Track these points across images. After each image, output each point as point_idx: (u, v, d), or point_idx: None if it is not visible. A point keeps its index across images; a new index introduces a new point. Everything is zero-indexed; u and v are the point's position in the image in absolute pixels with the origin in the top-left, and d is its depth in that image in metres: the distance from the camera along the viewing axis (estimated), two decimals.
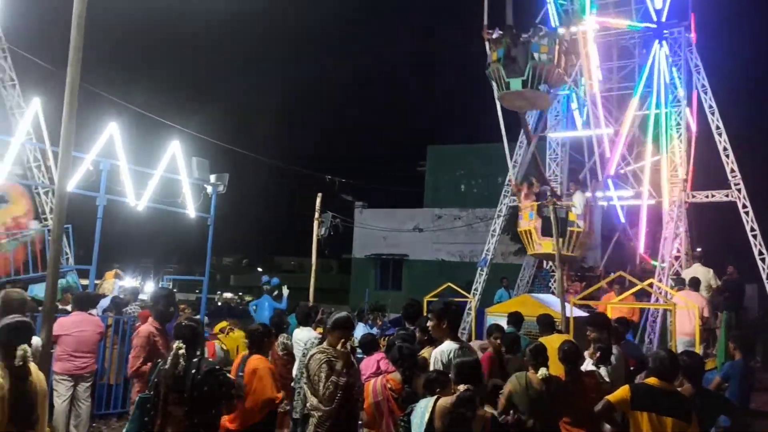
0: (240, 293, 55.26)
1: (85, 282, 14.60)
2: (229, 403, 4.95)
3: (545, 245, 13.86)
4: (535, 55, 12.62)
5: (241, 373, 5.88)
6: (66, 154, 5.36)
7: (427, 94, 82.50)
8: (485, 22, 13.63)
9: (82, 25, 5.41)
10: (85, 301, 8.71)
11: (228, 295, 52.39)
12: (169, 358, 4.74)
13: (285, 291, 14.65)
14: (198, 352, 4.94)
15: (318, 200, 16.07)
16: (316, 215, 15.87)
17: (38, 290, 11.13)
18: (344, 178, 21.46)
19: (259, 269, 54.92)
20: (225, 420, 5.72)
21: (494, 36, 13.31)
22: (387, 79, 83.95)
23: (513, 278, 19.96)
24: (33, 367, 4.21)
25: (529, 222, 14.41)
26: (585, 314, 10.36)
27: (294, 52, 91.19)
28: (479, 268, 19.03)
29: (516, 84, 12.77)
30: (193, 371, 4.68)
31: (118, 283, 15.76)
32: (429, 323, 5.93)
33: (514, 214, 18.40)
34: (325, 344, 5.25)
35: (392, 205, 33.49)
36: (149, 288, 38.32)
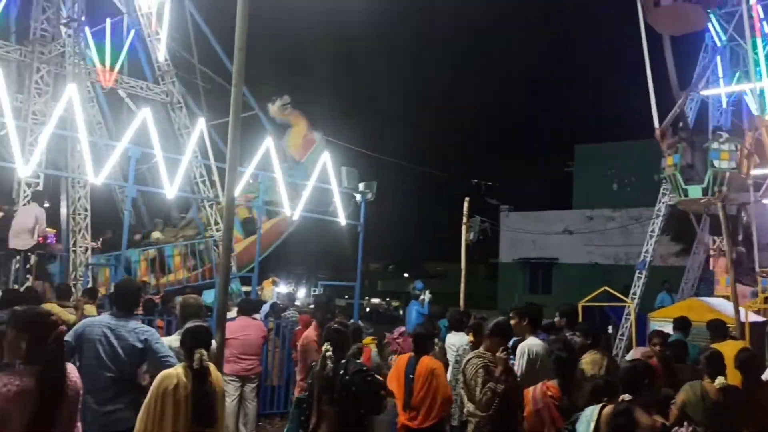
0: (387, 299, 56.22)
1: (246, 289, 15.55)
2: (380, 403, 5.03)
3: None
4: (716, 162, 11.90)
5: (411, 375, 5.98)
6: (232, 169, 5.71)
7: (573, 91, 79.86)
8: (656, 123, 13.04)
9: (244, 48, 5.75)
10: (249, 306, 9.26)
11: (375, 300, 53.46)
12: (320, 359, 4.94)
13: (427, 296, 14.81)
14: (348, 354, 5.09)
15: (466, 205, 16.03)
16: (464, 220, 15.84)
17: (205, 297, 12.00)
18: (489, 181, 21.25)
19: (406, 275, 55.65)
20: (403, 418, 5.86)
21: (669, 141, 12.68)
22: (530, 78, 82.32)
23: (675, 281, 18.79)
24: (212, 368, 4.50)
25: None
26: (762, 319, 9.50)
27: (434, 55, 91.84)
28: (637, 271, 18.08)
29: (695, 192, 12.18)
30: (341, 372, 4.83)
31: (276, 290, 16.63)
32: (511, 321, 6.12)
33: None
34: (481, 349, 5.19)
35: (539, 208, 32.70)
36: (301, 294, 40.01)
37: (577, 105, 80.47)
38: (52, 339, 3.65)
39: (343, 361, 4.89)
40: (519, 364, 5.83)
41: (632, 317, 14.18)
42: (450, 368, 7.88)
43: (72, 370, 3.75)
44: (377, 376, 4.96)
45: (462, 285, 15.42)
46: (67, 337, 4.94)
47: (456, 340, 8.09)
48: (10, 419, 3.38)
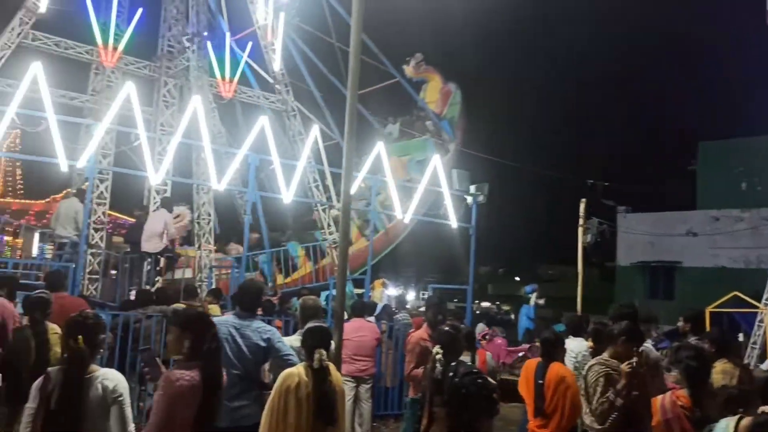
0: (497, 302, 55.40)
1: (359, 291, 15.81)
2: (492, 406, 4.96)
3: None
4: None
5: (540, 380, 5.89)
6: (348, 173, 5.84)
7: (696, 85, 75.58)
8: None
9: (359, 56, 5.86)
10: (363, 308, 9.42)
11: (486, 304, 52.79)
12: (431, 362, 4.94)
13: (533, 299, 14.59)
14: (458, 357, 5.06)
15: (582, 206, 15.58)
16: (581, 222, 15.39)
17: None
18: (605, 181, 20.50)
19: (517, 278, 54.68)
20: (533, 425, 5.79)
21: None
22: (649, 72, 78.69)
23: None
24: (332, 368, 4.62)
25: None
26: None
27: (544, 52, 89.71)
28: None
29: None
30: (451, 374, 4.81)
31: (385, 292, 16.83)
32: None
33: None
34: (605, 355, 5.00)
35: (659, 209, 31.13)
36: (411, 297, 40.20)
37: (699, 100, 76.12)
38: (210, 337, 3.97)
39: (453, 364, 4.87)
40: None
41: (765, 324, 13.26)
42: None
43: None
44: (489, 378, 4.89)
45: (579, 288, 15.02)
46: None
47: (575, 346, 7.83)
48: (180, 411, 3.71)
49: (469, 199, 11.88)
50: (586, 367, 5.07)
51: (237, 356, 5.11)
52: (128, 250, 13.84)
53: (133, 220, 16.16)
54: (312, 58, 19.71)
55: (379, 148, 11.35)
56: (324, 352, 4.54)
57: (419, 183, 11.66)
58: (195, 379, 3.79)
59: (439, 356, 4.89)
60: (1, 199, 27.59)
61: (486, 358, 7.24)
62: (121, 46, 16.40)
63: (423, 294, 44.97)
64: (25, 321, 6.45)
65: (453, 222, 11.81)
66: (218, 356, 4.07)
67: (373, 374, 9.01)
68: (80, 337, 3.80)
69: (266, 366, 5.49)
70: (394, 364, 10.15)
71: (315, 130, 11.40)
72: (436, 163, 11.74)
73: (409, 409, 5.21)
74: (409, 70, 21.48)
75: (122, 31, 16.56)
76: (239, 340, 5.16)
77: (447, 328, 5.21)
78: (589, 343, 7.54)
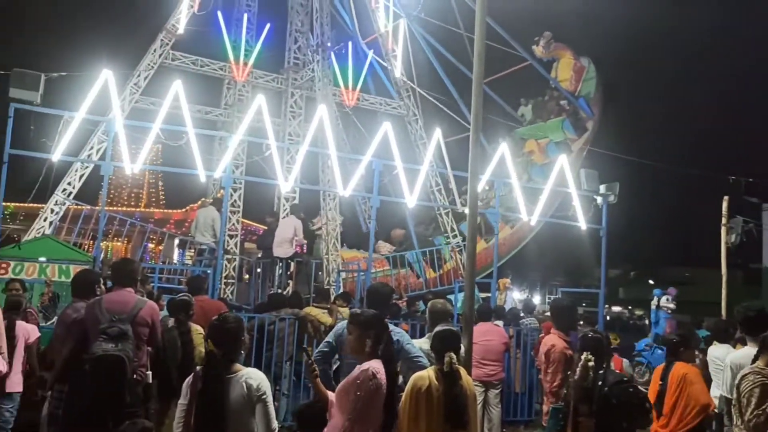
0: (629, 307, 52.91)
1: (485, 295, 15.64)
2: (645, 416, 4.72)
3: None
4: None
5: (661, 381, 5.66)
6: (474, 176, 5.79)
7: None
8: None
9: (482, 59, 5.81)
10: (489, 312, 9.30)
11: (617, 308, 50.63)
12: (578, 369, 4.73)
13: (663, 302, 13.86)
14: (604, 365, 4.86)
15: (725, 204, 14.57)
16: (723, 221, 14.40)
17: None
18: (749, 177, 19.04)
19: (650, 281, 52.01)
20: (655, 425, 5.58)
21: None
22: None
23: None
24: (462, 371, 4.58)
25: None
26: None
27: (681, 46, 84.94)
28: None
29: None
30: (600, 383, 4.61)
31: (510, 294, 16.52)
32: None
33: None
34: (761, 364, 4.63)
35: None
36: (537, 301, 39.29)
37: None
38: (387, 337, 4.25)
39: (600, 371, 4.68)
40: None
41: None
42: (713, 383, 7.18)
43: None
44: (639, 387, 4.67)
45: (723, 292, 14.11)
46: (329, 338, 5.38)
47: (720, 353, 7.33)
48: (372, 409, 3.99)
49: (599, 200, 11.43)
50: (739, 376, 4.72)
51: None
52: (260, 255, 14.47)
53: (265, 226, 16.91)
54: (440, 50, 19.75)
55: (503, 149, 11.19)
56: (454, 355, 4.51)
57: (548, 179, 11.37)
58: (383, 379, 4.06)
59: (591, 364, 4.72)
60: (146, 209, 29.79)
61: (623, 365, 6.95)
62: (251, 61, 17.25)
63: (549, 297, 43.84)
64: (171, 322, 6.89)
65: (582, 223, 11.42)
66: (394, 356, 4.34)
67: (501, 379, 8.87)
68: (210, 340, 4.04)
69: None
70: (523, 369, 9.94)
71: (437, 134, 11.41)
72: (563, 163, 11.41)
73: (551, 418, 5.04)
74: (538, 50, 21.01)
75: (251, 46, 17.41)
76: None
77: (593, 334, 5.03)
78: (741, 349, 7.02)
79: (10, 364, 5.96)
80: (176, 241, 19.79)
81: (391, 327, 5.42)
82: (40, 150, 9.23)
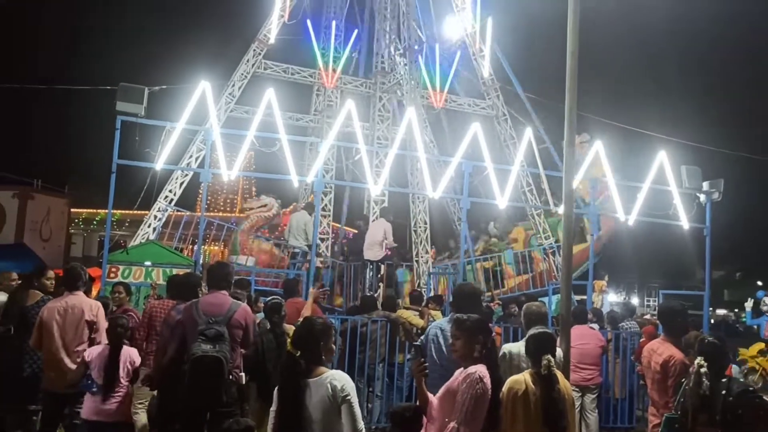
0: (735, 310, 50.11)
1: (579, 297, 15.24)
2: None
3: None
4: None
5: None
6: (569, 176, 5.65)
7: None
8: None
9: (576, 55, 5.66)
10: (584, 314, 9.04)
11: (722, 311, 48.10)
12: (692, 376, 4.52)
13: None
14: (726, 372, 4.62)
15: None
16: None
17: None
18: None
19: (759, 282, 49.11)
20: None
21: None
22: None
23: None
24: (559, 375, 4.48)
25: None
26: None
27: None
28: None
29: None
30: (723, 392, 4.38)
31: (605, 297, 16.02)
32: None
33: None
34: None
35: None
36: (635, 303, 37.88)
37: None
38: (491, 342, 4.33)
39: (723, 380, 4.45)
40: None
41: None
42: None
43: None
44: (765, 398, 4.41)
45: None
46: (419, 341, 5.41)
47: None
48: (479, 413, 4.04)
49: (703, 198, 10.88)
50: None
51: (439, 356, 5.13)
52: (349, 258, 14.67)
53: (355, 230, 17.14)
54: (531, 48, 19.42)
55: (598, 147, 10.86)
56: (551, 358, 4.42)
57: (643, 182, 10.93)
58: (488, 384, 4.10)
59: (704, 370, 4.50)
60: (240, 214, 30.79)
61: (732, 371, 6.58)
62: (339, 67, 17.54)
63: (647, 300, 42.13)
64: (267, 325, 7.08)
65: (684, 223, 10.91)
66: (498, 361, 4.41)
67: (598, 383, 8.65)
68: (292, 343, 4.07)
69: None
70: (623, 374, 9.61)
71: (528, 133, 11.20)
72: (663, 159, 10.93)
73: (664, 427, 4.82)
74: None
75: (340, 53, 17.70)
76: (441, 341, 5.18)
77: (712, 339, 4.78)
78: None
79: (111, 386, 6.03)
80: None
81: None
82: (144, 160, 9.71)
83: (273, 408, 4.07)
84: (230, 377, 5.36)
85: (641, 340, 9.39)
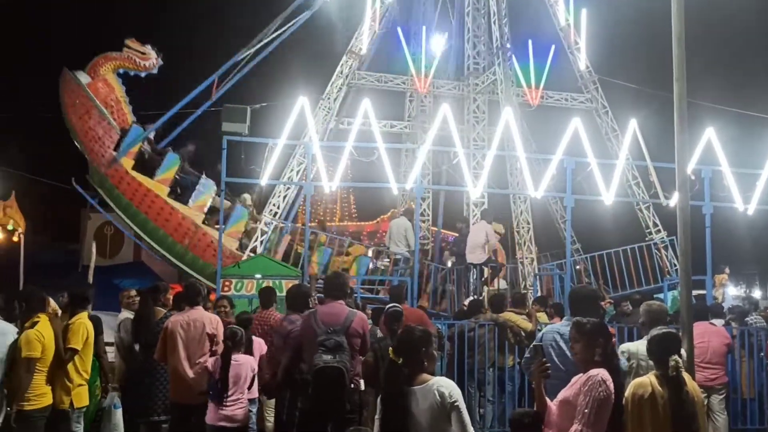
0: None
1: (699, 292, 14.50)
2: None
3: None
4: None
5: None
6: (681, 167, 5.40)
7: None
8: None
9: (683, 41, 5.41)
10: (705, 311, 8.63)
11: None
12: None
13: None
14: None
15: None
16: None
17: None
18: None
19: None
20: None
21: None
22: None
23: None
24: (687, 376, 4.27)
25: None
26: None
27: None
28: None
29: None
30: None
31: (726, 291, 15.14)
32: None
33: None
34: None
35: None
36: (758, 296, 35.60)
37: None
38: (611, 345, 4.27)
39: None
40: None
41: None
42: None
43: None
44: None
45: None
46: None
47: None
48: (603, 417, 3.97)
49: None
50: None
51: (562, 362, 5.00)
52: (454, 261, 14.58)
53: (455, 233, 17.05)
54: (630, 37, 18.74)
55: (709, 134, 10.32)
56: (679, 360, 4.22)
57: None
58: (612, 387, 4.01)
59: None
60: (340, 223, 31.38)
61: None
62: (431, 72, 17.55)
63: None
64: (377, 332, 7.16)
65: None
66: (619, 366, 4.35)
67: (725, 383, 8.21)
68: (393, 351, 4.06)
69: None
70: (751, 373, 9.05)
71: (633, 124, 10.80)
72: None
73: None
74: None
75: (431, 58, 17.71)
76: (563, 345, 5.05)
77: None
78: None
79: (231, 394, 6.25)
80: (370, 252, 20.58)
81: None
82: (250, 176, 10.08)
83: (377, 416, 4.11)
84: (351, 385, 5.47)
85: None
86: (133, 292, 8.45)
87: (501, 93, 16.67)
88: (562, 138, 10.47)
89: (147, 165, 14.30)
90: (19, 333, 6.03)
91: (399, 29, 17.65)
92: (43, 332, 5.91)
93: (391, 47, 18.07)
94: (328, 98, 17.33)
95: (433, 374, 4.09)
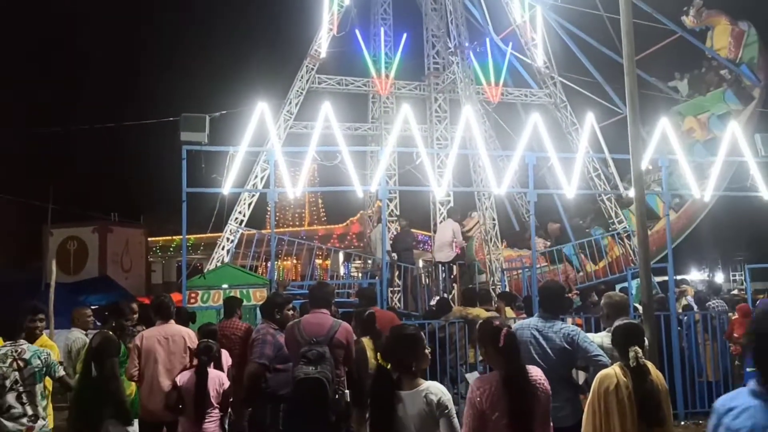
0: None
1: (658, 279, 14.75)
2: None
3: None
4: None
5: None
6: (636, 158, 5.49)
7: None
8: None
9: (632, 35, 5.51)
10: (663, 301, 8.80)
11: None
12: None
13: None
14: None
15: None
16: None
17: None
18: None
19: None
20: None
21: None
22: None
23: None
24: (650, 365, 4.34)
25: None
26: None
27: None
28: None
29: None
30: None
31: (690, 299, 15.43)
32: None
33: None
34: None
35: None
36: (719, 280, 36.37)
37: None
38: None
39: None
40: None
41: None
42: None
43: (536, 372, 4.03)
44: None
45: None
46: None
47: None
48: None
49: None
50: None
51: (542, 359, 5.05)
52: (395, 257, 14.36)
53: (429, 233, 17.06)
54: (581, 35, 19.02)
55: (664, 124, 10.51)
56: (639, 350, 4.28)
57: (714, 156, 10.52)
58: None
59: None
60: (310, 227, 31.28)
61: None
62: (392, 73, 17.57)
63: (733, 276, 40.38)
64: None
65: (765, 193, 10.43)
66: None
67: None
68: (381, 355, 3.97)
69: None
70: (715, 357, 9.24)
71: (590, 118, 10.93)
72: (735, 130, 10.49)
73: None
74: (689, 20, 19.52)
75: (391, 59, 17.74)
76: (543, 342, 5.11)
77: None
78: None
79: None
80: (340, 255, 20.56)
81: (565, 324, 5.27)
82: (211, 185, 9.96)
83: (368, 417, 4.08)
84: (336, 396, 5.40)
85: (734, 318, 9.01)
86: (89, 311, 8.23)
87: (461, 91, 16.76)
88: (523, 133, 10.56)
89: None
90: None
91: (357, 32, 17.64)
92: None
93: (351, 50, 18.05)
94: (289, 103, 17.26)
95: (425, 375, 4.03)
